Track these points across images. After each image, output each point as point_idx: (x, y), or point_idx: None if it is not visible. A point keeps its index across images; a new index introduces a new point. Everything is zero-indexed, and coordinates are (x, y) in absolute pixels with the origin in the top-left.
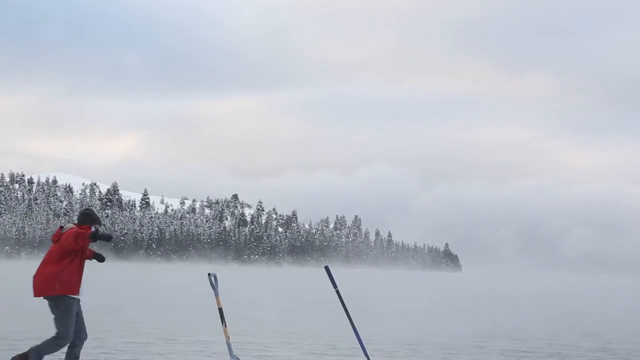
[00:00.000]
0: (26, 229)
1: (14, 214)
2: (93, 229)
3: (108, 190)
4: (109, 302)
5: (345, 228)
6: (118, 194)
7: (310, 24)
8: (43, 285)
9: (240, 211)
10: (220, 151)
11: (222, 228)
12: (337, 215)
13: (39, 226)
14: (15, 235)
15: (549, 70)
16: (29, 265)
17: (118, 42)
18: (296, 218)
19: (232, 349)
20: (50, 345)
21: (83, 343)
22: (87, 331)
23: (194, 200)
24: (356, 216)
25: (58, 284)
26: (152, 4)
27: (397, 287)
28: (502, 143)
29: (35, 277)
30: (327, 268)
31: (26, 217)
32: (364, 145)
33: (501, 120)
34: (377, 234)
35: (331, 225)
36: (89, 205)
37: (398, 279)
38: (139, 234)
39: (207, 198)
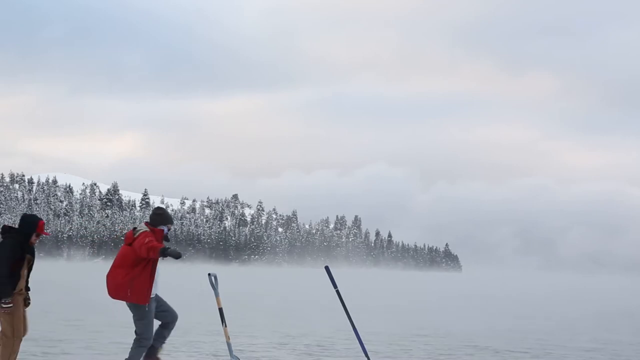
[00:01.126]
0: None
1: (14, 214)
2: (166, 229)
3: (108, 190)
4: (108, 302)
5: (345, 228)
6: (118, 194)
7: (310, 25)
8: (115, 290)
9: (240, 211)
10: (220, 151)
11: (222, 228)
12: (337, 215)
13: None
14: None
15: (549, 70)
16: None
17: (119, 42)
18: (296, 218)
19: (232, 349)
20: (137, 350)
21: (175, 323)
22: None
23: (194, 200)
24: (356, 216)
25: (129, 292)
26: (152, 4)
27: (396, 287)
28: (502, 143)
29: (108, 278)
30: (327, 268)
31: None
32: (364, 145)
33: (501, 121)
34: (377, 234)
35: (331, 225)
36: (160, 205)
37: (398, 279)
38: None
39: (207, 198)
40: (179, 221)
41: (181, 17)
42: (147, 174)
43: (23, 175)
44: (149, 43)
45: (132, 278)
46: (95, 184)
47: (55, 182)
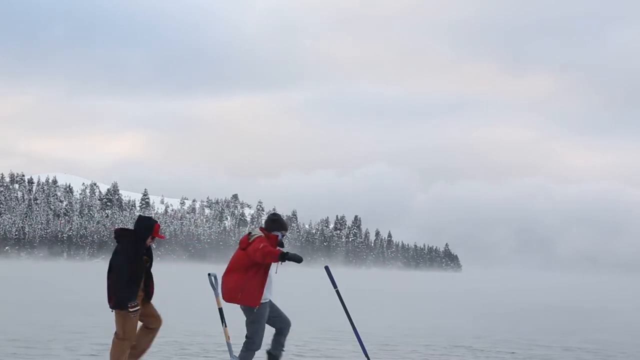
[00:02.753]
0: (26, 229)
1: (14, 214)
2: (280, 235)
3: (108, 190)
4: (94, 303)
5: (345, 228)
6: (118, 194)
7: (311, 25)
8: (228, 293)
9: (240, 211)
10: (220, 151)
11: (222, 228)
12: (337, 215)
13: (39, 226)
14: (15, 235)
15: (549, 70)
16: (29, 265)
17: (119, 42)
18: (296, 218)
19: (232, 349)
20: (246, 354)
21: (288, 329)
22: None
23: (194, 200)
24: (356, 216)
25: (241, 294)
26: (152, 4)
27: (395, 288)
28: (502, 143)
29: (222, 282)
30: (327, 268)
31: (26, 217)
32: (364, 145)
33: (501, 121)
34: (377, 234)
35: (331, 225)
36: (274, 212)
37: (397, 279)
38: None
39: (207, 198)
40: (179, 221)
41: (181, 17)
42: (147, 174)
43: (23, 175)
44: (149, 43)
45: (245, 281)
46: (95, 184)
47: (55, 182)
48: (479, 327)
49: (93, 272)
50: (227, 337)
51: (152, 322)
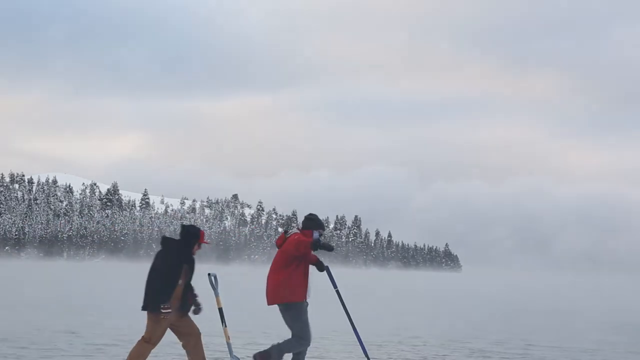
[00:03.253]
0: (26, 229)
1: (14, 214)
2: (316, 234)
3: (108, 190)
4: (108, 302)
5: (345, 228)
6: (118, 194)
7: (312, 25)
8: (270, 295)
9: (240, 211)
10: (220, 151)
11: (222, 228)
12: (337, 215)
13: (39, 226)
14: (15, 235)
15: (550, 71)
16: (29, 265)
17: (119, 42)
18: (296, 218)
19: (232, 349)
20: (292, 344)
21: (307, 347)
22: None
23: (194, 200)
24: (356, 216)
25: (282, 291)
26: (153, 4)
27: (396, 288)
28: (502, 143)
29: (267, 286)
30: (327, 268)
31: (26, 217)
32: (364, 145)
33: (501, 120)
34: (377, 234)
35: (331, 225)
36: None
37: (397, 279)
38: (139, 234)
39: (207, 198)
40: (179, 221)
41: (182, 18)
42: (147, 174)
43: (23, 175)
44: (150, 43)
45: (284, 278)
46: (95, 184)
47: (55, 182)
48: (478, 328)
49: (93, 272)
50: (227, 337)
51: (188, 340)
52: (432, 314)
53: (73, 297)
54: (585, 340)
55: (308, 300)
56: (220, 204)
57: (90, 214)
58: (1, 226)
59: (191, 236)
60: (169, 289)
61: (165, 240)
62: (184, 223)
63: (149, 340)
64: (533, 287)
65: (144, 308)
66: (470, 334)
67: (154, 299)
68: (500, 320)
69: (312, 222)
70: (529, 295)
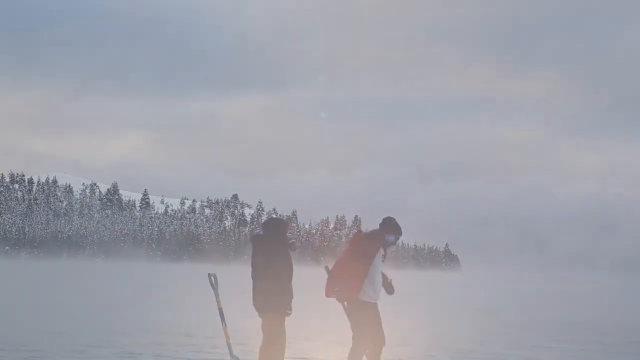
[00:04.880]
0: (26, 229)
1: (14, 214)
2: (393, 238)
3: (108, 190)
4: (107, 302)
5: (345, 228)
6: (118, 194)
7: (312, 25)
8: (344, 292)
9: (240, 211)
10: (220, 151)
11: (222, 228)
12: (337, 215)
13: (39, 226)
14: (15, 235)
15: (549, 70)
16: (28, 265)
17: (120, 41)
18: (296, 218)
19: (232, 349)
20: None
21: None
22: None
23: (194, 200)
24: (356, 216)
25: (355, 291)
26: (153, 4)
27: (396, 287)
28: (502, 142)
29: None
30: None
31: (26, 217)
32: (364, 145)
33: (501, 120)
34: None
35: (331, 225)
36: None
37: (397, 279)
38: (139, 234)
39: (207, 198)
40: (179, 221)
41: (182, 18)
42: (147, 174)
43: (23, 175)
44: (150, 43)
45: (348, 276)
46: (95, 184)
47: (55, 182)
48: (477, 328)
49: (93, 272)
50: (227, 337)
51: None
52: (433, 314)
53: (66, 298)
54: (594, 340)
55: (377, 300)
56: (220, 204)
57: (90, 214)
58: (1, 226)
59: (285, 226)
60: (291, 289)
61: (269, 239)
62: (269, 218)
63: (278, 340)
64: (533, 287)
65: (269, 310)
66: (468, 335)
67: (281, 302)
68: (499, 320)
69: (387, 223)
70: (527, 296)
